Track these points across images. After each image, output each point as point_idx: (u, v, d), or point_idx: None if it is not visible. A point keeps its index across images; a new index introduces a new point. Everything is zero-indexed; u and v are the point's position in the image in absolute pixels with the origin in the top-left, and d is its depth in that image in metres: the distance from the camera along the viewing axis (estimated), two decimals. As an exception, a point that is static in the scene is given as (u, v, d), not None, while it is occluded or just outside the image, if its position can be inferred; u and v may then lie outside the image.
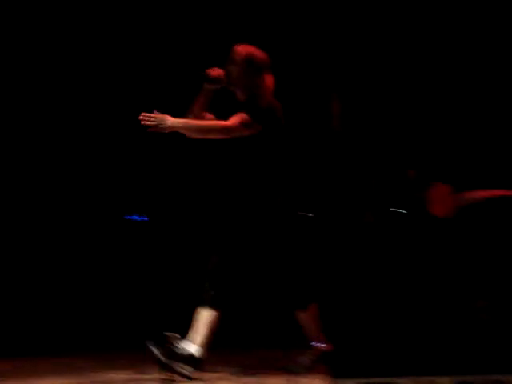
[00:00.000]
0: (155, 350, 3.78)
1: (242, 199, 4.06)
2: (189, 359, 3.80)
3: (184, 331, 3.93)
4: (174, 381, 3.78)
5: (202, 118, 4.08)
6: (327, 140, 5.43)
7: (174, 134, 3.89)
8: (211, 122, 4.04)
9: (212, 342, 3.91)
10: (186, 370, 3.78)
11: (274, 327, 5.69)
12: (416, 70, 5.96)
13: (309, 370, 4.06)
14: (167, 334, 3.84)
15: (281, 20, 6.18)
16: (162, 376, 3.78)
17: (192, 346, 3.84)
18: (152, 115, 3.76)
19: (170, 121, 3.79)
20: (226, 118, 3.96)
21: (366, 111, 5.84)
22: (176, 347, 3.81)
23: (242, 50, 4.05)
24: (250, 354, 4.90)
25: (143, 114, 3.76)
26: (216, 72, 4.05)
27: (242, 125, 3.86)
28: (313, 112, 5.70)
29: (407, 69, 5.99)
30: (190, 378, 3.78)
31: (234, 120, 3.89)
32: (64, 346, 5.48)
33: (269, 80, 4.08)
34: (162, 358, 3.76)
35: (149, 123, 3.75)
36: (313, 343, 4.14)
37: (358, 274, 5.01)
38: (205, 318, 3.89)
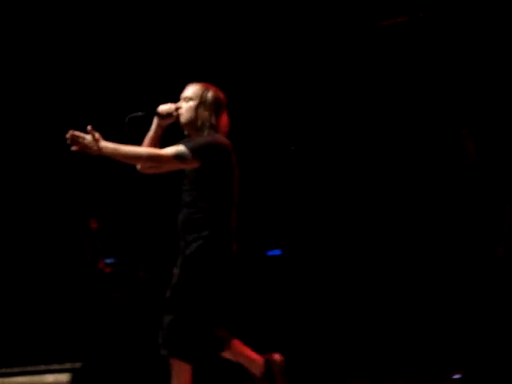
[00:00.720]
0: None
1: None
2: None
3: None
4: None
5: None
6: (462, 175, 5.46)
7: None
8: (143, 148, 3.75)
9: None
10: None
11: (414, 358, 5.68)
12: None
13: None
14: None
15: (409, 60, 6.30)
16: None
17: None
18: (82, 135, 3.52)
19: (100, 144, 3.52)
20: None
21: (498, 144, 5.84)
22: None
23: (196, 86, 3.81)
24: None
25: (72, 132, 3.52)
26: (167, 107, 3.81)
27: (175, 157, 3.56)
28: (447, 149, 5.76)
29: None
30: None
31: (167, 150, 3.60)
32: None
33: (224, 119, 3.81)
34: None
35: (77, 142, 3.51)
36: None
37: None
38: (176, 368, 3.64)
